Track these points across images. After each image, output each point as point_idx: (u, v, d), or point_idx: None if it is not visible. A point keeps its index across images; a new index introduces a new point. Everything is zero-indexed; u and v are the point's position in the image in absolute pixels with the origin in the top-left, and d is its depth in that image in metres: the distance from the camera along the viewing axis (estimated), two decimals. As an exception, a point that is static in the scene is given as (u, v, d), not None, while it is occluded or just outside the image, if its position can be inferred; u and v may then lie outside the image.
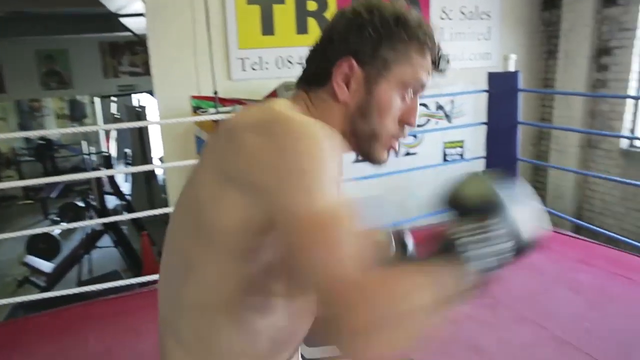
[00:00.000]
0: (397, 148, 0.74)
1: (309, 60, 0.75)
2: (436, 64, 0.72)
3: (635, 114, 4.25)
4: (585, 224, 3.73)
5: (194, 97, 3.61)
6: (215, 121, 3.31)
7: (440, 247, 0.56)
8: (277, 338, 0.72)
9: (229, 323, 0.67)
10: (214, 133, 0.75)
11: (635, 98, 4.21)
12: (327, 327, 0.50)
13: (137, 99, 7.73)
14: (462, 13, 4.19)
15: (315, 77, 0.72)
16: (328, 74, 0.69)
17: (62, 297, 2.56)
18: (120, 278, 2.93)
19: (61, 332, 2.27)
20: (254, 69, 3.71)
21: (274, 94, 3.51)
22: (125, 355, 2.12)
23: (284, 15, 3.64)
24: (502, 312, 2.32)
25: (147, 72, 8.97)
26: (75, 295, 2.60)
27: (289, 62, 3.72)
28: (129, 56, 8.64)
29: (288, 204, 0.55)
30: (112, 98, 7.01)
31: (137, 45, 8.38)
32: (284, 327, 0.71)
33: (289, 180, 0.55)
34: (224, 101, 3.50)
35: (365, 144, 0.72)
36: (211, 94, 3.53)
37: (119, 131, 6.67)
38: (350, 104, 0.70)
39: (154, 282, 2.77)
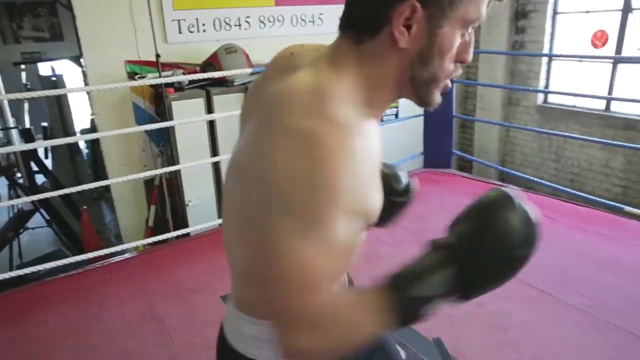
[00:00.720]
0: (449, 87, 0.69)
1: (354, 1, 0.64)
2: None
3: (548, 72, 4.68)
4: (510, 170, 4.12)
5: (129, 62, 3.40)
6: (154, 87, 3.17)
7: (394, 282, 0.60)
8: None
9: None
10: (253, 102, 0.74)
11: (551, 56, 4.61)
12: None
13: (51, 67, 7.04)
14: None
15: (365, 23, 0.62)
16: (384, 18, 0.60)
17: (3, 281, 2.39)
18: (66, 256, 2.78)
19: (17, 315, 2.15)
20: (190, 31, 3.56)
21: (214, 58, 3.41)
22: (91, 329, 2.07)
23: (220, -26, 3.51)
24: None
25: (54, 37, 8.21)
26: (17, 278, 2.43)
27: (227, 23, 3.61)
28: (30, 19, 7.78)
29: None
30: (22, 67, 6.32)
31: (39, 7, 7.57)
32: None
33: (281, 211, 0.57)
34: (163, 66, 3.34)
35: (422, 90, 0.66)
36: (148, 59, 3.35)
37: (32, 104, 6.09)
38: (410, 50, 0.62)
39: (101, 258, 2.67)
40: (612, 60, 4.09)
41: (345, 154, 0.55)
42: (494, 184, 3.79)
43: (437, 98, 0.68)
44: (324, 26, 3.92)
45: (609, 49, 4.10)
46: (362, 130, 0.59)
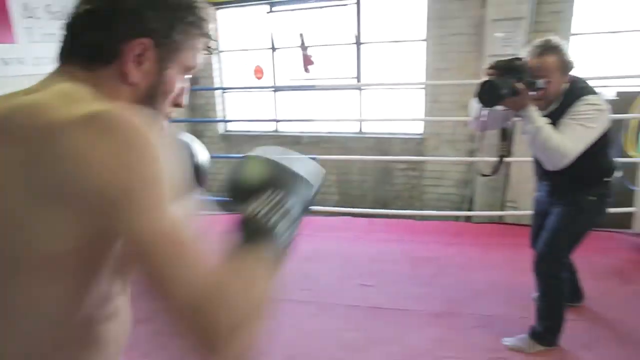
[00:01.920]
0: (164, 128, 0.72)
1: (84, 29, 0.63)
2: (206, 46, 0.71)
3: (223, 104, 5.19)
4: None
5: None
6: None
7: (248, 230, 0.60)
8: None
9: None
10: None
11: (223, 89, 5.12)
12: (193, 338, 0.52)
13: None
14: (50, 12, 3.85)
15: (97, 53, 0.63)
16: (116, 51, 0.62)
17: None
18: None
19: None
20: None
21: None
22: None
23: None
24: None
25: None
26: None
27: None
28: None
29: (137, 219, 0.53)
30: None
31: None
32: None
33: (136, 192, 0.52)
34: None
35: None
36: None
37: None
38: (140, 86, 0.65)
39: None
40: (273, 89, 4.87)
41: (148, 130, 0.54)
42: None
43: None
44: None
45: (268, 80, 4.87)
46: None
